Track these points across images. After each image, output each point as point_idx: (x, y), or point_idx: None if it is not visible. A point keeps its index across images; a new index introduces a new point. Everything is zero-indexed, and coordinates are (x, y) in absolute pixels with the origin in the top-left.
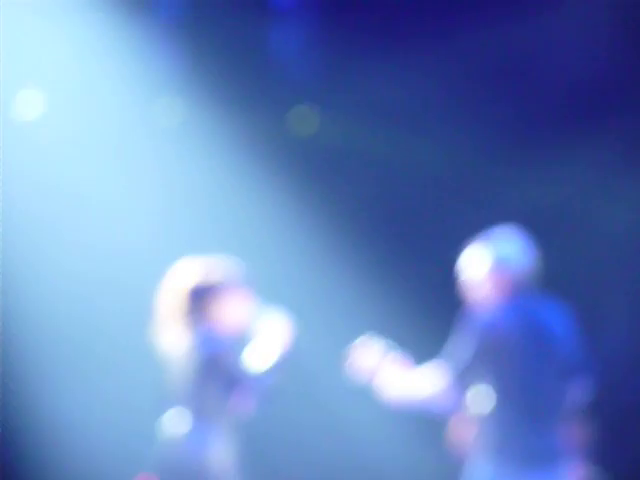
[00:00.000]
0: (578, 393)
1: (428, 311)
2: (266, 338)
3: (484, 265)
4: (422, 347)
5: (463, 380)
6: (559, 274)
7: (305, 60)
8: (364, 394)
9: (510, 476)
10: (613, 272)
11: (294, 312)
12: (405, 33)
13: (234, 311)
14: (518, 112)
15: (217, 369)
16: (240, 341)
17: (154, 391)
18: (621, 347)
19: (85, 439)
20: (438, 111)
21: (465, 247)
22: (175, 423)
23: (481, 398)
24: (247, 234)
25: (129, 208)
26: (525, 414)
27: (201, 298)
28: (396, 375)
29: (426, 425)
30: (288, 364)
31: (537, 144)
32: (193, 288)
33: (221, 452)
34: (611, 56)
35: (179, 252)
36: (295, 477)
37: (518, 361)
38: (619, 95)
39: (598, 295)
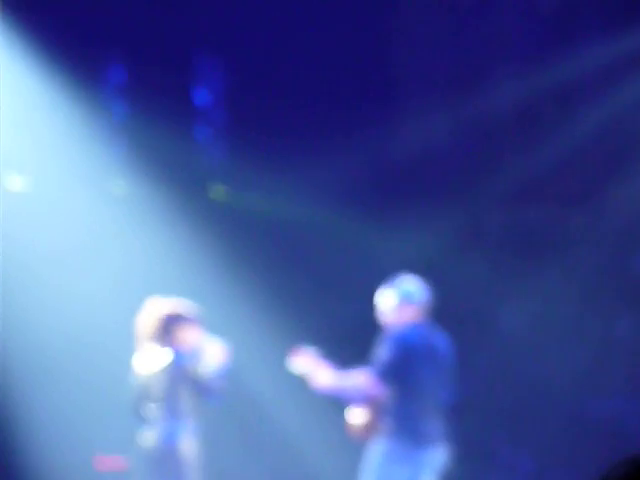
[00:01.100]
0: (450, 395)
1: (350, 333)
2: (212, 356)
3: (394, 299)
4: (345, 357)
5: (384, 378)
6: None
7: (219, 146)
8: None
9: (405, 451)
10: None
11: (231, 338)
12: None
13: (192, 335)
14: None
15: (186, 376)
16: (196, 357)
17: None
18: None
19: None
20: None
21: (377, 288)
22: (153, 419)
23: (389, 393)
24: (188, 281)
25: (95, 263)
26: (419, 406)
27: (171, 323)
28: (325, 374)
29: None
30: (229, 373)
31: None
32: (164, 316)
33: (188, 443)
34: None
35: (140, 296)
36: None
37: (417, 367)
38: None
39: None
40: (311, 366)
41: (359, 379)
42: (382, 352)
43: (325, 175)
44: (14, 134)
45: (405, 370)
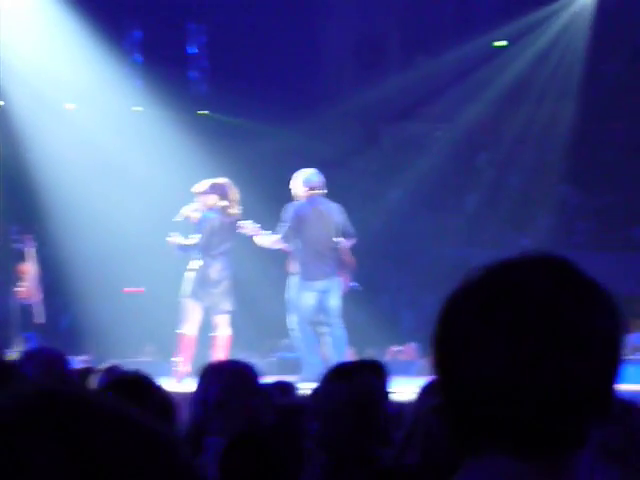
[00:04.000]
0: (343, 244)
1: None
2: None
3: (300, 182)
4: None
5: (286, 237)
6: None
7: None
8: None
9: (309, 282)
10: None
11: None
12: None
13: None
14: None
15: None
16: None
17: None
18: None
19: None
20: None
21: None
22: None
23: (295, 243)
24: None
25: (125, 167)
26: (313, 251)
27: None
28: (260, 235)
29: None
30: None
31: None
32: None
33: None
34: None
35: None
36: None
37: (308, 224)
38: None
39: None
40: (253, 232)
41: (274, 239)
42: (284, 220)
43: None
44: (65, 71)
45: (300, 229)
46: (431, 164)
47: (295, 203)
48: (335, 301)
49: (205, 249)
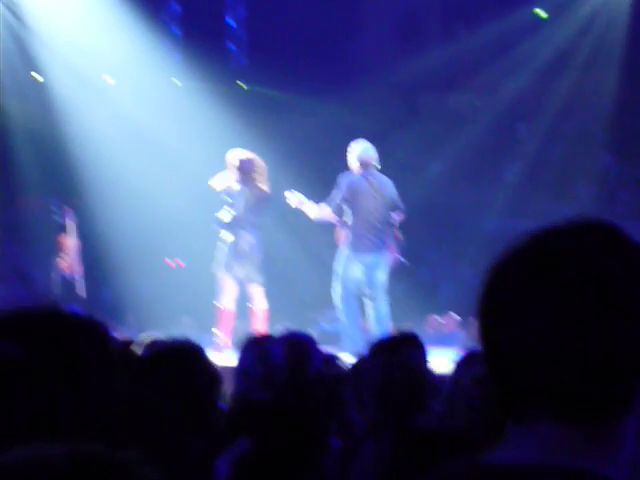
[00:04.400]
0: (394, 218)
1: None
2: None
3: (356, 154)
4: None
5: (338, 208)
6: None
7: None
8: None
9: (359, 254)
10: None
11: None
12: None
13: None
14: None
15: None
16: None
17: None
18: None
19: None
20: None
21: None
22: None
23: (348, 218)
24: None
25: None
26: (366, 224)
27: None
28: (309, 206)
29: None
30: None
31: None
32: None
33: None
34: None
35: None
36: None
37: (362, 197)
38: None
39: None
40: (301, 203)
41: (324, 209)
42: (336, 192)
43: (309, 71)
44: (103, 45)
45: (353, 201)
46: (471, 136)
47: (349, 174)
48: (382, 275)
49: (237, 222)
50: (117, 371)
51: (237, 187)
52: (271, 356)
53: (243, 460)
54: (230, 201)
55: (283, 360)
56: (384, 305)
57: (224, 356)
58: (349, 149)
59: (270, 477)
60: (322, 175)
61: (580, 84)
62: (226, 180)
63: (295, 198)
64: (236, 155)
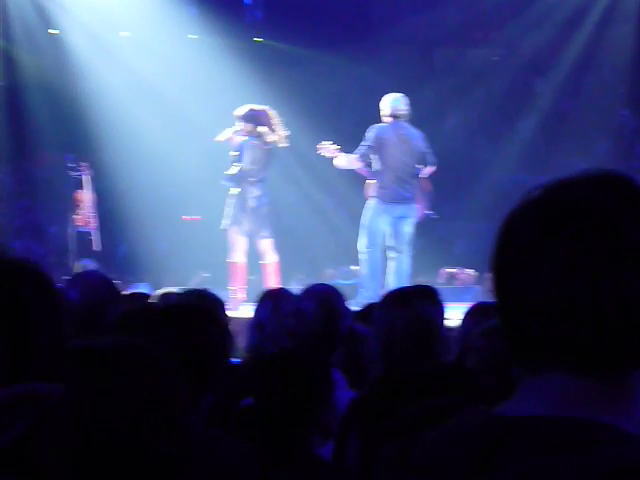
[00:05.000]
0: (422, 170)
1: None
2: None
3: (386, 105)
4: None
5: (364, 156)
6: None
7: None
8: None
9: (387, 206)
10: None
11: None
12: None
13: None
14: None
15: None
16: None
17: None
18: None
19: None
20: None
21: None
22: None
23: (374, 166)
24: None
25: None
26: (393, 175)
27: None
28: (339, 156)
29: None
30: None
31: None
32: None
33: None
34: None
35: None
36: None
37: (390, 148)
38: None
39: None
40: (333, 153)
41: (352, 157)
42: (365, 141)
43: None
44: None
45: (381, 150)
46: (487, 90)
47: (379, 125)
48: (409, 228)
49: (243, 176)
50: (62, 316)
51: (246, 140)
52: (303, 309)
53: (245, 413)
54: (236, 153)
55: (315, 314)
56: (407, 258)
57: (239, 311)
58: (382, 99)
59: (270, 427)
60: (338, 130)
61: (598, 38)
62: (229, 133)
63: (328, 148)
64: (242, 108)
